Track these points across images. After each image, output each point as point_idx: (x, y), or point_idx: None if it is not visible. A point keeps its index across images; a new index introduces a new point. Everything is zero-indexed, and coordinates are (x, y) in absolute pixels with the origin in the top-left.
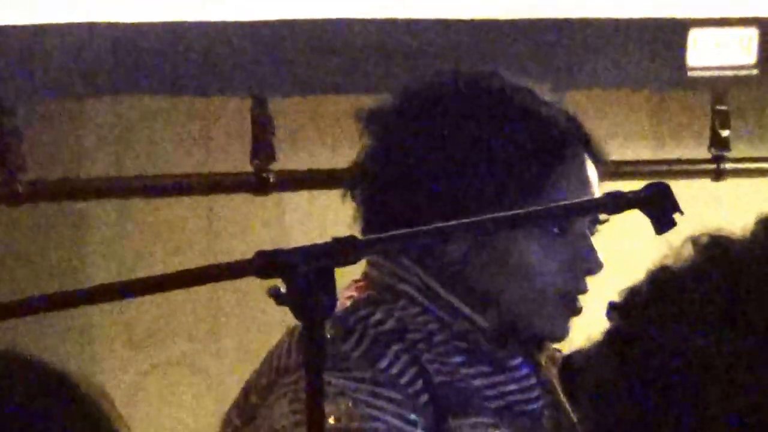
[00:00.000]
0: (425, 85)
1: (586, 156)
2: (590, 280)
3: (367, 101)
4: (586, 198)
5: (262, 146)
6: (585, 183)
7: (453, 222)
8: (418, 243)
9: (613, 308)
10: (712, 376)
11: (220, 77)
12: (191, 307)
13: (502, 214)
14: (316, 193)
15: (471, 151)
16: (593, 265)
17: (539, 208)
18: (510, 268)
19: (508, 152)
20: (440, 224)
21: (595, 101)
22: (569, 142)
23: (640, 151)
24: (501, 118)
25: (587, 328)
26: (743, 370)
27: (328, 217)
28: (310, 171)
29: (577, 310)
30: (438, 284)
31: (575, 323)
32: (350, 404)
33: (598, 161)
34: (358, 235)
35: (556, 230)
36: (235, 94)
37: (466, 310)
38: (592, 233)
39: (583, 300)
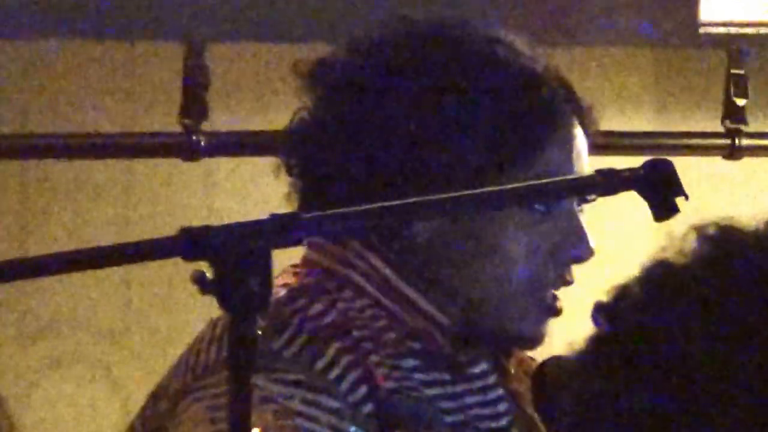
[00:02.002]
0: (384, 34)
1: (577, 124)
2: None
3: (319, 51)
4: (575, 174)
5: (194, 103)
6: (576, 156)
7: (417, 199)
8: (374, 223)
9: (599, 310)
10: (717, 396)
11: (147, 19)
12: (97, 294)
13: (474, 191)
14: (254, 160)
15: (442, 114)
16: (583, 251)
17: (516, 185)
18: (482, 255)
19: (488, 116)
20: (402, 201)
21: (589, 60)
22: (561, 106)
23: (640, 120)
24: (480, 74)
25: (567, 330)
26: (753, 389)
27: (267, 189)
28: (248, 134)
29: (556, 310)
30: (392, 272)
31: (552, 324)
32: (279, 413)
33: (588, 131)
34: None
35: (540, 208)
36: (166, 40)
37: (425, 304)
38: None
39: (563, 297)
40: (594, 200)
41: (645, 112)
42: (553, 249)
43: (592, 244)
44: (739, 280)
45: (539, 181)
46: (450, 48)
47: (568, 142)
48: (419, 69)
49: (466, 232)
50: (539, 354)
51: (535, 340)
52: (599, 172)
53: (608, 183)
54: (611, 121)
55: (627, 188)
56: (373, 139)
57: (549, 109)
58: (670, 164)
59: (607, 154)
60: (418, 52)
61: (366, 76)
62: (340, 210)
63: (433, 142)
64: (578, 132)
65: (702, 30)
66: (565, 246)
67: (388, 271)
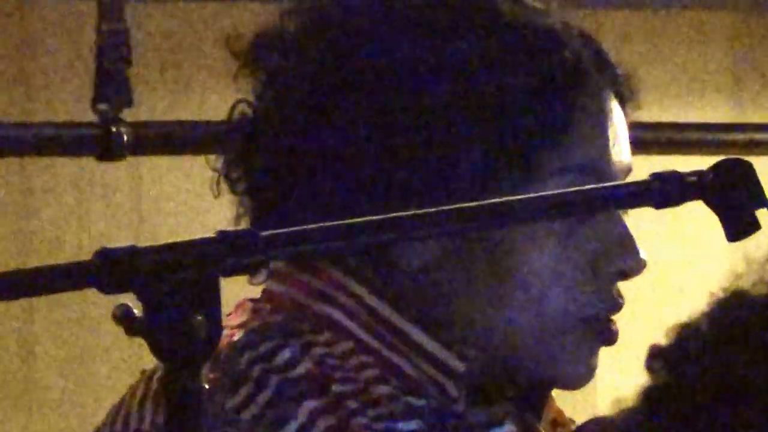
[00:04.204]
0: None
1: (612, 96)
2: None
3: (265, 13)
4: (615, 164)
5: (113, 83)
6: (613, 140)
7: (408, 212)
8: (355, 243)
9: (656, 355)
10: None
11: None
12: None
13: (485, 202)
14: (193, 159)
15: (435, 93)
16: (631, 262)
17: (541, 195)
18: (500, 278)
19: (493, 92)
20: (389, 215)
21: (640, 29)
22: (589, 73)
23: (710, 108)
24: (480, 37)
25: (613, 381)
26: None
27: (212, 197)
28: (184, 125)
29: (611, 336)
30: (385, 305)
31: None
32: None
33: (627, 107)
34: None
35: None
36: None
37: (432, 345)
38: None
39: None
40: None
41: (717, 97)
42: (593, 262)
43: (643, 253)
44: None
45: (574, 189)
46: (439, 6)
47: (602, 120)
48: (398, 35)
49: (474, 250)
50: (576, 406)
51: (582, 377)
52: (657, 176)
53: (668, 192)
54: (673, 110)
55: (692, 198)
56: (342, 136)
57: (573, 76)
58: (749, 166)
59: (666, 153)
60: (395, 13)
61: (326, 50)
62: (312, 226)
63: (424, 133)
64: (614, 107)
65: None
66: (607, 257)
67: (379, 305)
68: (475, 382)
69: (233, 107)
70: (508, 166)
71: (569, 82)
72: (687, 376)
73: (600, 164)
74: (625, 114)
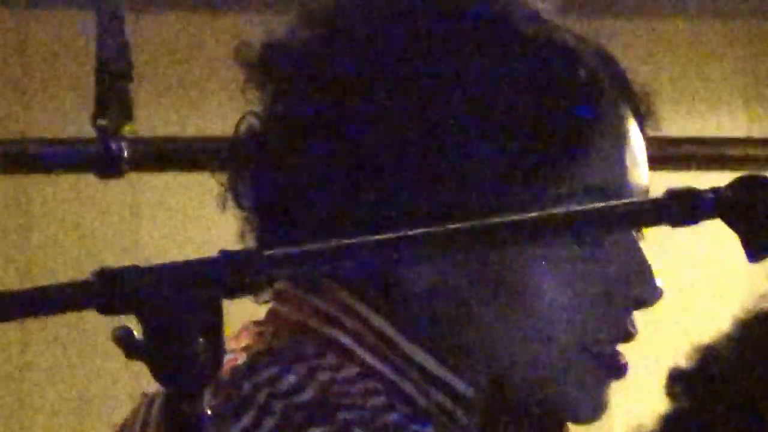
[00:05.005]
0: (354, 1)
1: (631, 117)
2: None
3: (272, 25)
4: (631, 186)
5: (113, 97)
6: (632, 162)
7: (416, 231)
8: (361, 262)
9: (676, 379)
10: None
11: None
12: None
13: (490, 221)
14: (195, 176)
15: (450, 110)
16: (647, 292)
17: (553, 213)
18: (508, 304)
19: (508, 110)
20: (397, 234)
21: (654, 38)
22: (606, 92)
23: (727, 122)
24: (496, 55)
25: (631, 405)
26: None
27: (215, 215)
28: (186, 140)
29: (619, 370)
30: (394, 329)
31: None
32: None
33: (645, 126)
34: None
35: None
36: (71, 8)
37: (441, 370)
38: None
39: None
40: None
41: (734, 110)
42: (606, 291)
43: (659, 282)
44: None
45: (584, 208)
46: (449, 19)
47: (619, 141)
48: (412, 50)
49: (483, 273)
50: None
51: (593, 412)
52: (672, 193)
53: (684, 210)
54: (687, 124)
55: (710, 216)
56: (353, 151)
57: (589, 96)
58: None
59: (682, 169)
60: (410, 28)
61: (339, 62)
62: (318, 245)
63: (437, 151)
64: (632, 127)
65: None
66: (622, 286)
67: (386, 328)
68: (485, 409)
69: (241, 120)
70: (522, 187)
71: (586, 102)
72: (710, 400)
73: (617, 186)
74: (643, 133)
